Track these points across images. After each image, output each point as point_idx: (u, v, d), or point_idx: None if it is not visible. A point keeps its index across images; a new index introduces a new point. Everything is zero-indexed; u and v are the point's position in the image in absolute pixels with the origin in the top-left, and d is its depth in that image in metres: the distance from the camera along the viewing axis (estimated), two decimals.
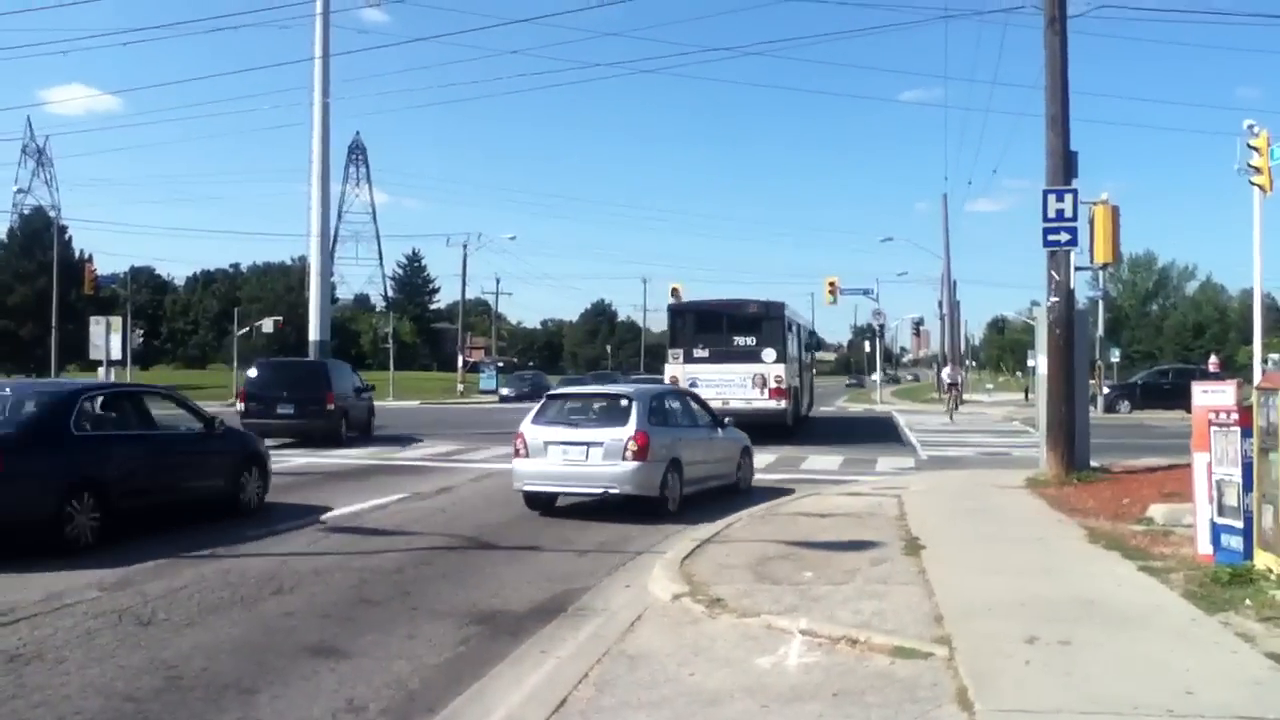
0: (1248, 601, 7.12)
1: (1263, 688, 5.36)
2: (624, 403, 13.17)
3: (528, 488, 13.15)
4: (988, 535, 10.56)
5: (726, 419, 15.69)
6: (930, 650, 6.18)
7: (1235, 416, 8.32)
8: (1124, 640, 6.28)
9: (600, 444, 12.63)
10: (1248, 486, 8.02)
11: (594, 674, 6.03)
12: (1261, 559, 7.77)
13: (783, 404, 23.68)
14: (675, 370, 24.32)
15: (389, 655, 6.61)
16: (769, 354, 23.97)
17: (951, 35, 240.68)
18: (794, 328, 27.40)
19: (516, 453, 13.20)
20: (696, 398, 16.16)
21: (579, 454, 12.74)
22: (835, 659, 6.21)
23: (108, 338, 21.67)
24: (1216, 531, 8.49)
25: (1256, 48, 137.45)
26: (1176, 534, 9.98)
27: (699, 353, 24.32)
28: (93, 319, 23.19)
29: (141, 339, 49.25)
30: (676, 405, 14.54)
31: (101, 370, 21.89)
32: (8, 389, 11.34)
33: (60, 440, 10.17)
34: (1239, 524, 8.16)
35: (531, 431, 13.13)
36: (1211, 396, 8.74)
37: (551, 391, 16.56)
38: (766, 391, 23.42)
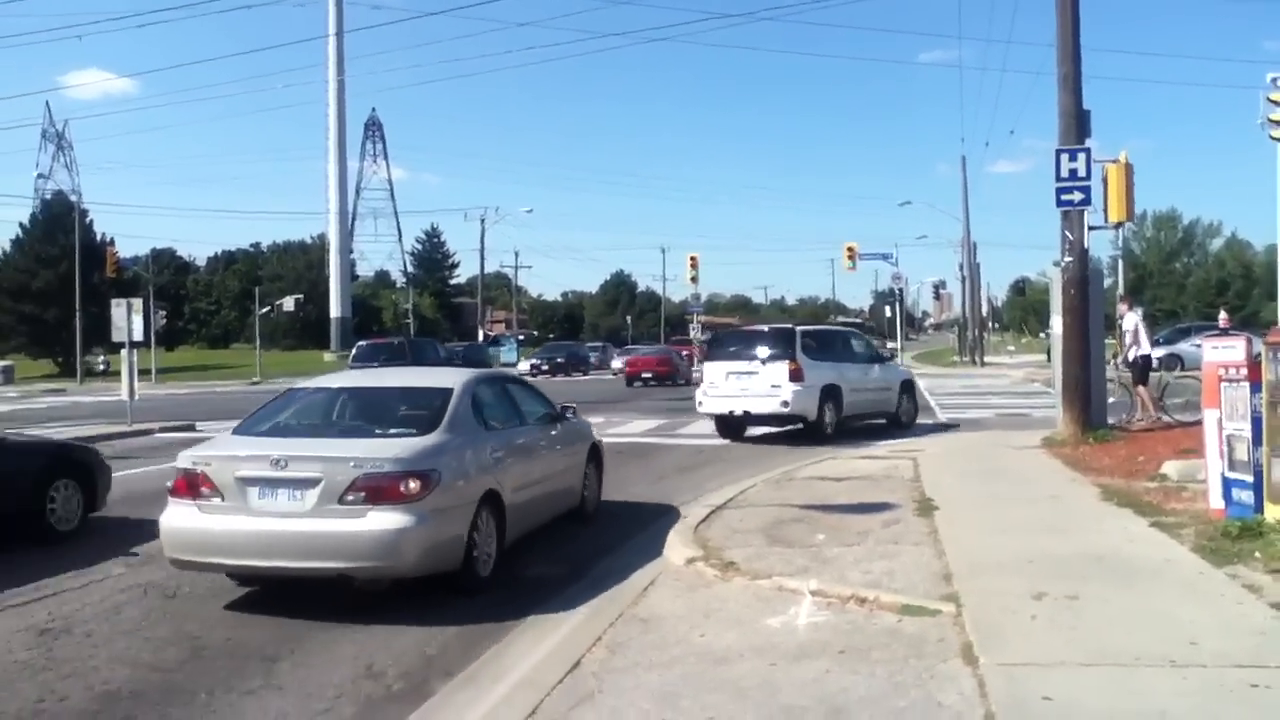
0: (1256, 554, 7.17)
1: (1265, 638, 5.42)
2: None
3: None
4: (1001, 495, 10.62)
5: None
6: (938, 608, 6.26)
7: (1245, 371, 8.32)
8: (1131, 594, 6.34)
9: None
10: (1257, 441, 8.04)
11: (607, 637, 6.15)
12: (1272, 512, 7.80)
13: None
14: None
15: (404, 623, 6.75)
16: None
17: None
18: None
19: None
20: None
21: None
22: (844, 618, 6.30)
23: (129, 319, 21.81)
24: (1227, 486, 8.52)
25: None
26: (1190, 490, 10.01)
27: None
28: (113, 301, 23.32)
29: (165, 320, 49.52)
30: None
31: (124, 352, 22.04)
32: None
33: None
34: (1249, 478, 8.18)
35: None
36: (1221, 352, 8.73)
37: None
38: None
